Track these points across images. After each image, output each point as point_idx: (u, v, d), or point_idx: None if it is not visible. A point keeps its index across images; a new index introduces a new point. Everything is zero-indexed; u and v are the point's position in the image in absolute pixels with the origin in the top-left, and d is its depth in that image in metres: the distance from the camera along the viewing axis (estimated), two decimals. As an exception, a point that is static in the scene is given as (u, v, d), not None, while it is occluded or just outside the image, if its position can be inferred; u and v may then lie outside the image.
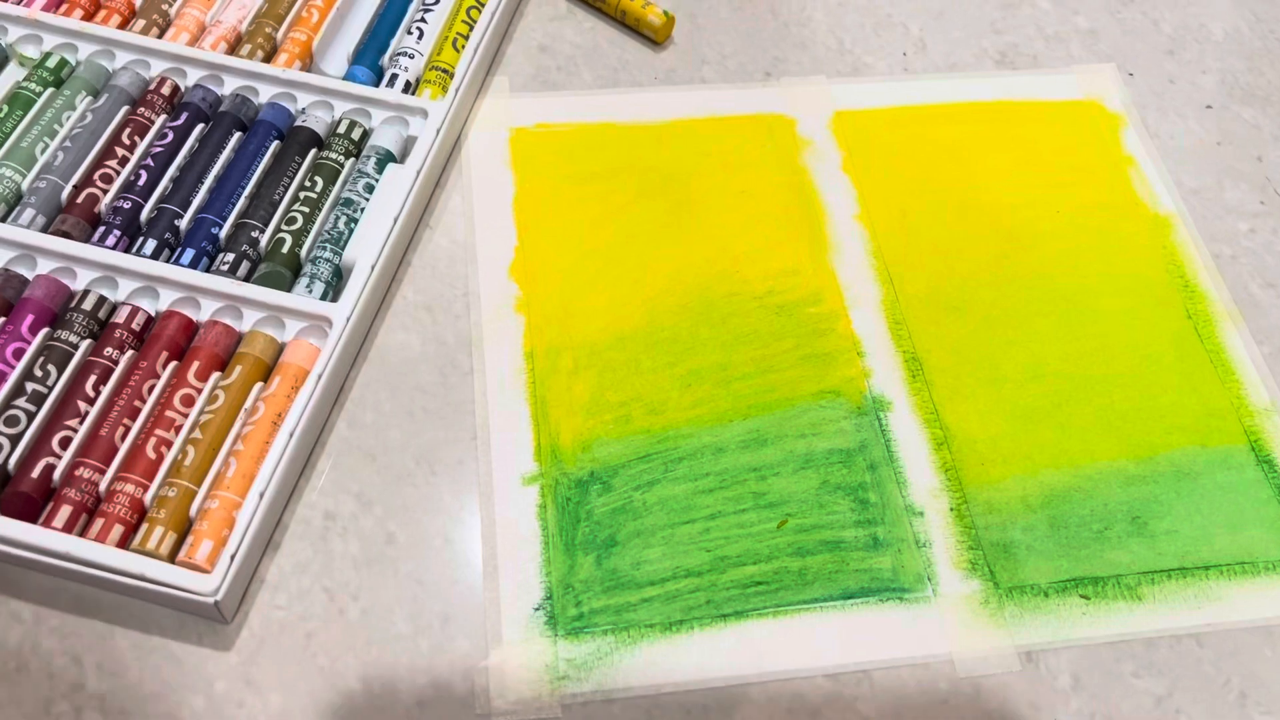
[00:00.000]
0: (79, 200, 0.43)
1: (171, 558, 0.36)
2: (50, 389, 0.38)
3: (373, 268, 0.42)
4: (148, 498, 0.37)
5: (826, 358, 0.43)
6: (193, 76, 0.47)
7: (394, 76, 0.48)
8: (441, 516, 0.39)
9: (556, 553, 0.38)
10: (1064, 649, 0.37)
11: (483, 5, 0.50)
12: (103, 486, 0.37)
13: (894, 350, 0.43)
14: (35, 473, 0.37)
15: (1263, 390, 0.43)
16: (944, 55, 0.54)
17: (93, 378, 0.39)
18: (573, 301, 0.44)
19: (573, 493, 0.39)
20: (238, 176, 0.44)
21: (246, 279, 0.42)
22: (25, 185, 0.43)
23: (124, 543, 0.36)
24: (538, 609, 0.37)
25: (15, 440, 0.37)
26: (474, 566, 0.38)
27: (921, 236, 0.47)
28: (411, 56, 0.49)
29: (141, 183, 0.44)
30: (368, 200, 0.44)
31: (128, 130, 0.45)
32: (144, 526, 0.36)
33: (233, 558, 0.35)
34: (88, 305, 0.40)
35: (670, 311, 0.44)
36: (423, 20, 0.50)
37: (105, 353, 0.39)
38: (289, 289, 0.42)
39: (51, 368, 0.39)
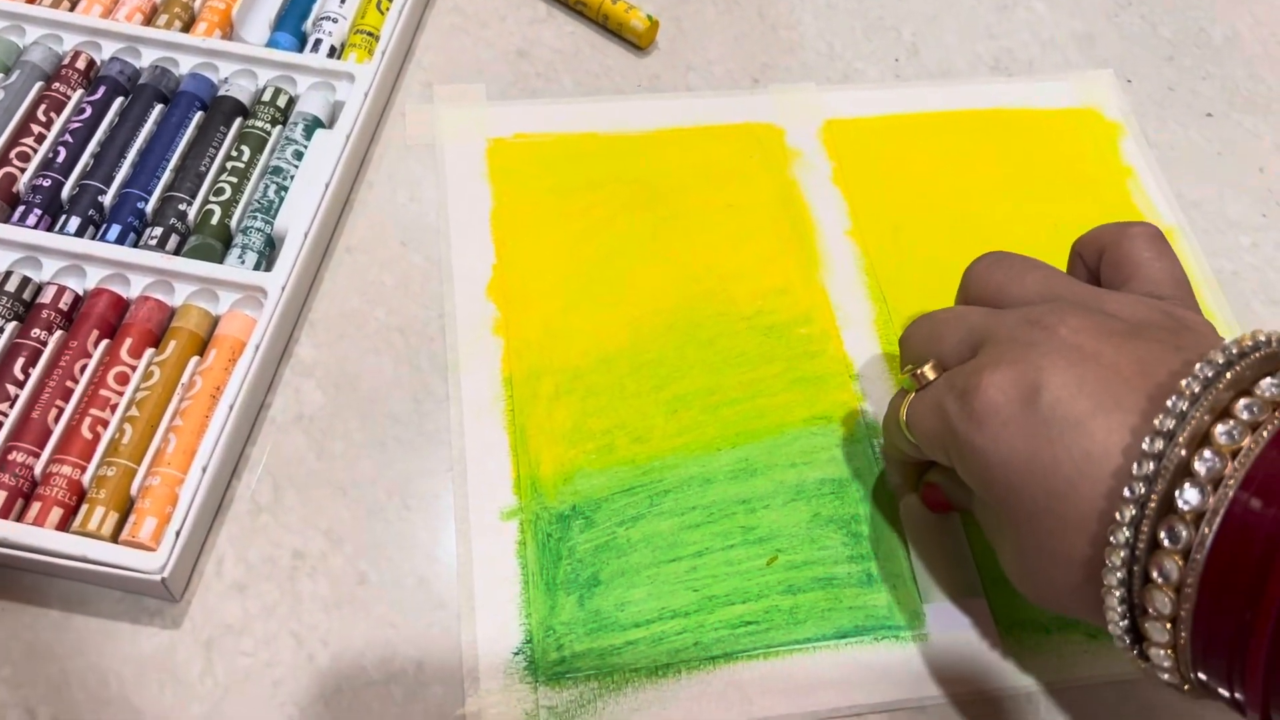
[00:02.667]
0: (-5, 180, 0.42)
1: (115, 538, 0.35)
2: (-25, 373, 0.37)
3: (305, 235, 0.41)
4: (86, 478, 0.36)
5: (818, 381, 0.41)
6: (108, 49, 0.46)
7: (318, 42, 0.47)
8: (416, 554, 0.37)
9: (537, 593, 0.36)
10: (1065, 689, 0.36)
11: None
12: (38, 470, 0.36)
13: (888, 373, 0.42)
14: (-35, 459, 0.35)
15: (1268, 414, 0.42)
16: (937, 61, 0.52)
17: (21, 360, 0.38)
18: (553, 322, 0.42)
19: (554, 528, 0.37)
20: (161, 149, 0.43)
21: (176, 252, 0.41)
22: (-61, 171, 0.42)
23: (64, 525, 0.35)
24: (517, 653, 0.35)
25: (-56, 427, 0.36)
26: (450, 608, 0.36)
27: (915, 252, 0.45)
28: (335, 20, 0.47)
29: (61, 160, 0.42)
30: (297, 167, 0.43)
31: (43, 107, 0.44)
32: (84, 508, 0.35)
33: (178, 534, 0.34)
34: (11, 286, 0.39)
35: (655, 333, 0.42)
36: None
37: (33, 334, 0.38)
38: (221, 261, 0.41)
39: (-25, 351, 0.37)
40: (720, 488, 0.38)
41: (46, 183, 0.42)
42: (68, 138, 0.43)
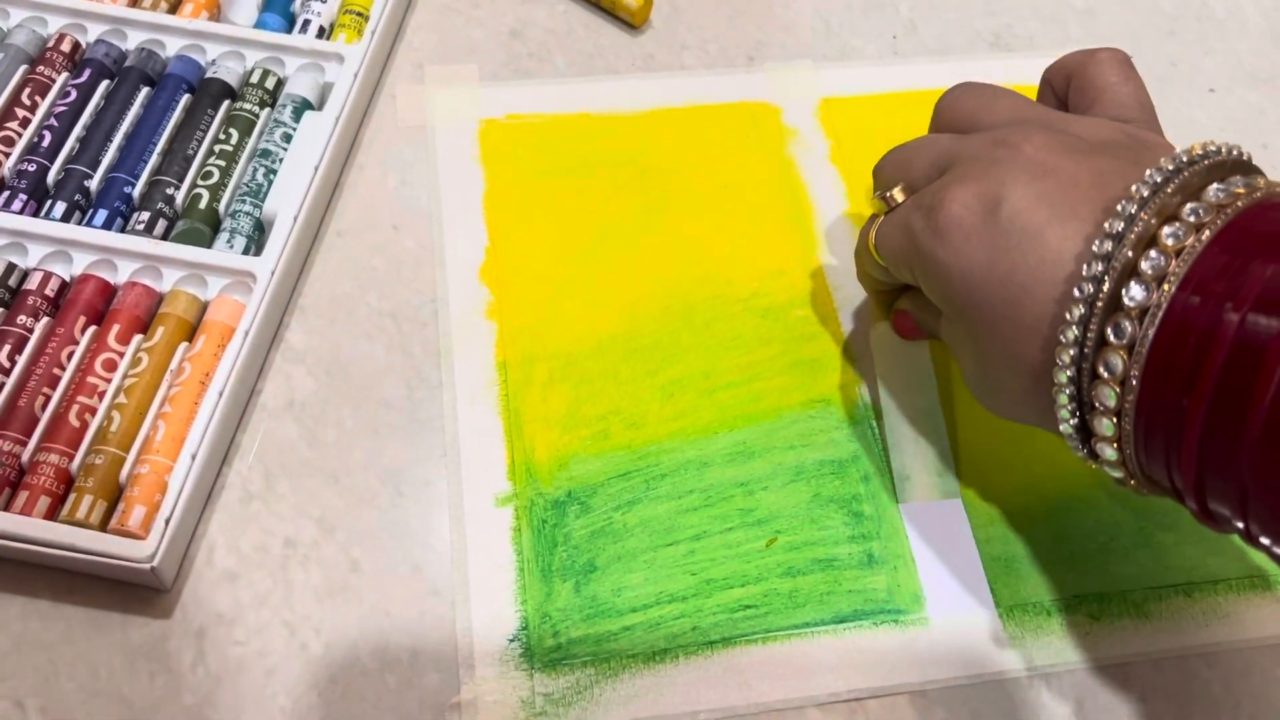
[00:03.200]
0: (-23, 165, 0.41)
1: (103, 527, 0.34)
2: (-40, 362, 0.37)
3: (295, 219, 0.40)
4: (74, 467, 0.35)
5: (816, 364, 0.41)
6: (94, 32, 0.45)
7: (306, 22, 0.46)
8: (409, 542, 0.36)
9: (532, 579, 0.36)
10: (1067, 671, 0.35)
11: None
12: (25, 458, 0.35)
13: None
14: (-50, 449, 0.35)
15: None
16: (936, 37, 0.51)
17: (6, 347, 0.37)
18: (547, 307, 0.41)
19: (549, 514, 0.37)
20: (148, 133, 0.42)
21: (164, 237, 0.40)
22: (-77, 156, 0.41)
23: (52, 514, 0.34)
24: (513, 640, 0.34)
25: (-73, 416, 0.35)
26: (444, 596, 0.35)
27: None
28: (324, 1, 0.47)
29: (46, 144, 0.42)
30: (286, 150, 0.42)
31: (27, 90, 0.43)
32: (72, 496, 0.35)
33: (167, 522, 0.34)
34: None
35: (650, 316, 0.41)
36: None
37: (19, 321, 0.38)
38: (209, 245, 0.40)
39: (-41, 339, 0.37)
40: (718, 471, 0.38)
41: (32, 167, 0.41)
42: (53, 121, 0.42)
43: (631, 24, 0.50)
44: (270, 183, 0.42)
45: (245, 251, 0.40)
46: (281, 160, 0.42)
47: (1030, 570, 0.37)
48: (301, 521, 0.36)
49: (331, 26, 0.47)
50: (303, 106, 0.44)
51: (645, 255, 0.43)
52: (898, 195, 0.34)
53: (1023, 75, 0.50)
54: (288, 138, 0.43)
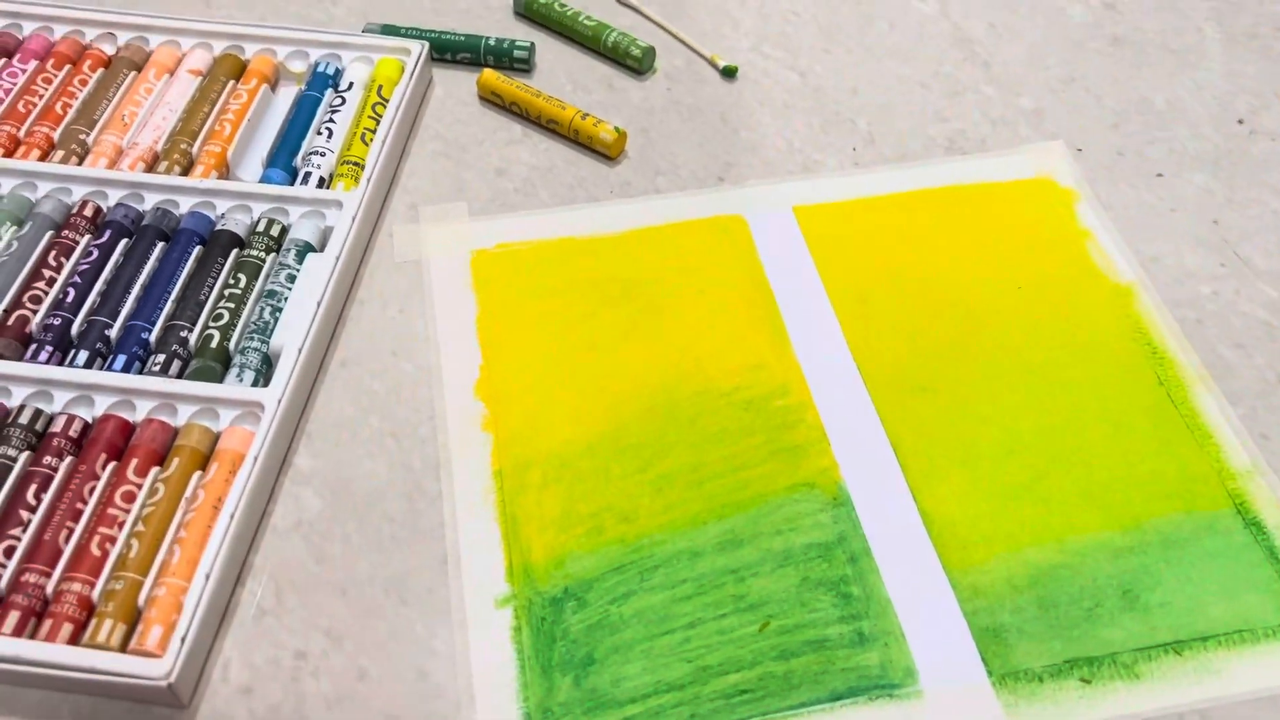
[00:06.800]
0: (9, 322, 0.44)
1: (123, 648, 0.36)
2: (-9, 502, 0.39)
3: (300, 351, 0.43)
4: (95, 593, 0.37)
5: (797, 450, 0.42)
6: (113, 196, 0.49)
7: (307, 174, 0.50)
8: (413, 647, 0.38)
9: (533, 675, 0.37)
10: (1066, 736, 0.36)
11: (386, 101, 0.53)
12: (50, 588, 0.37)
13: (863, 437, 0.43)
14: (-19, 584, 0.37)
15: (1242, 452, 0.42)
16: (893, 147, 0.55)
17: (33, 486, 0.40)
18: (539, 415, 0.44)
19: (547, 612, 0.38)
20: (163, 283, 0.46)
21: (179, 376, 0.43)
22: (-44, 317, 0.44)
23: (74, 640, 0.36)
24: (516, 736, 0.35)
25: (-38, 560, 0.37)
26: (449, 698, 0.36)
27: (884, 320, 0.47)
28: (323, 154, 0.51)
29: (70, 299, 0.45)
30: (290, 290, 0.46)
31: (53, 252, 0.47)
32: (93, 621, 0.36)
33: (183, 640, 0.35)
34: (24, 419, 0.41)
35: (637, 416, 0.44)
36: (331, 121, 0.53)
37: (44, 461, 0.40)
38: (220, 381, 0.43)
39: (-9, 482, 0.39)
40: (709, 559, 0.39)
41: (57, 321, 0.44)
42: (76, 279, 0.46)
43: (608, 155, 0.54)
44: (276, 320, 0.45)
45: (254, 384, 0.43)
46: (286, 299, 0.46)
47: (1019, 639, 0.38)
48: (311, 634, 0.38)
49: (331, 176, 0.51)
50: (305, 249, 0.47)
51: (630, 359, 0.45)
52: None
53: (978, 174, 0.53)
54: (292, 278, 0.46)
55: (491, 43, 0.58)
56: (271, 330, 0.45)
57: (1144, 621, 0.38)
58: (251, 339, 0.44)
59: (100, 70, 0.55)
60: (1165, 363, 0.45)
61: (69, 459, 0.41)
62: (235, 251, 0.47)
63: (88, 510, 0.39)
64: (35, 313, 0.45)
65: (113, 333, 0.44)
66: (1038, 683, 0.37)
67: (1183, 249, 0.50)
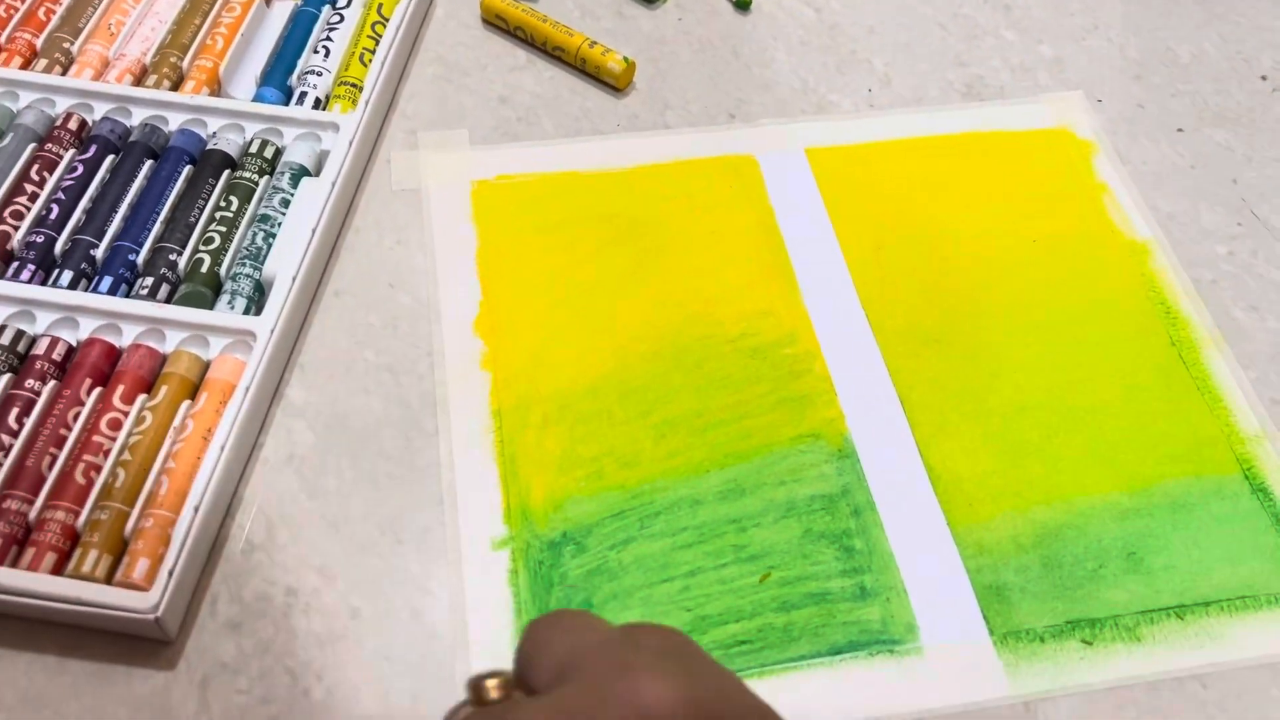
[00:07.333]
0: (-11, 238, 0.43)
1: (109, 580, 0.35)
2: (-30, 427, 0.38)
3: (293, 279, 0.42)
4: (79, 523, 0.36)
5: (803, 400, 0.42)
6: (99, 110, 0.47)
7: (303, 94, 0.48)
8: (408, 587, 0.37)
9: (530, 620, 0.36)
10: (1063, 697, 0.35)
11: (386, 20, 0.51)
12: (32, 516, 0.36)
13: (873, 388, 0.42)
14: (-40, 510, 0.36)
15: (1252, 417, 0.42)
16: (910, 90, 0.53)
17: (15, 410, 0.38)
18: (541, 354, 0.42)
19: (545, 555, 0.37)
20: (152, 203, 0.44)
21: (167, 301, 0.42)
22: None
23: (58, 570, 0.35)
24: (512, 680, 0.35)
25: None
26: (444, 640, 0.36)
27: (896, 270, 0.46)
28: (319, 74, 0.49)
29: (53, 216, 0.43)
30: (285, 215, 0.44)
31: (36, 167, 0.45)
32: (77, 551, 0.35)
33: (170, 573, 0.35)
34: (5, 340, 0.40)
35: (641, 359, 0.42)
36: (328, 39, 0.51)
37: (26, 384, 0.39)
38: (211, 307, 0.42)
39: (-31, 405, 0.38)
40: (710, 508, 0.39)
41: (40, 239, 0.43)
42: (60, 195, 0.44)
43: (616, 87, 0.52)
44: (269, 246, 0.43)
45: (246, 312, 0.42)
46: (280, 224, 0.44)
47: (1022, 598, 0.37)
48: (303, 570, 0.37)
49: (327, 98, 0.49)
50: (300, 173, 0.46)
51: (635, 301, 0.44)
52: (492, 690, 0.24)
53: (996, 122, 0.52)
54: (286, 203, 0.45)
55: (497, -37, 0.55)
56: (264, 256, 0.43)
57: (1147, 584, 0.38)
58: (244, 265, 0.43)
59: (85, -26, 0.52)
60: (1178, 323, 0.45)
61: (52, 383, 0.39)
62: (227, 173, 0.45)
63: (72, 437, 0.38)
64: (16, 229, 0.43)
65: (98, 253, 0.43)
66: (1039, 642, 0.36)
67: (1200, 207, 0.49)
